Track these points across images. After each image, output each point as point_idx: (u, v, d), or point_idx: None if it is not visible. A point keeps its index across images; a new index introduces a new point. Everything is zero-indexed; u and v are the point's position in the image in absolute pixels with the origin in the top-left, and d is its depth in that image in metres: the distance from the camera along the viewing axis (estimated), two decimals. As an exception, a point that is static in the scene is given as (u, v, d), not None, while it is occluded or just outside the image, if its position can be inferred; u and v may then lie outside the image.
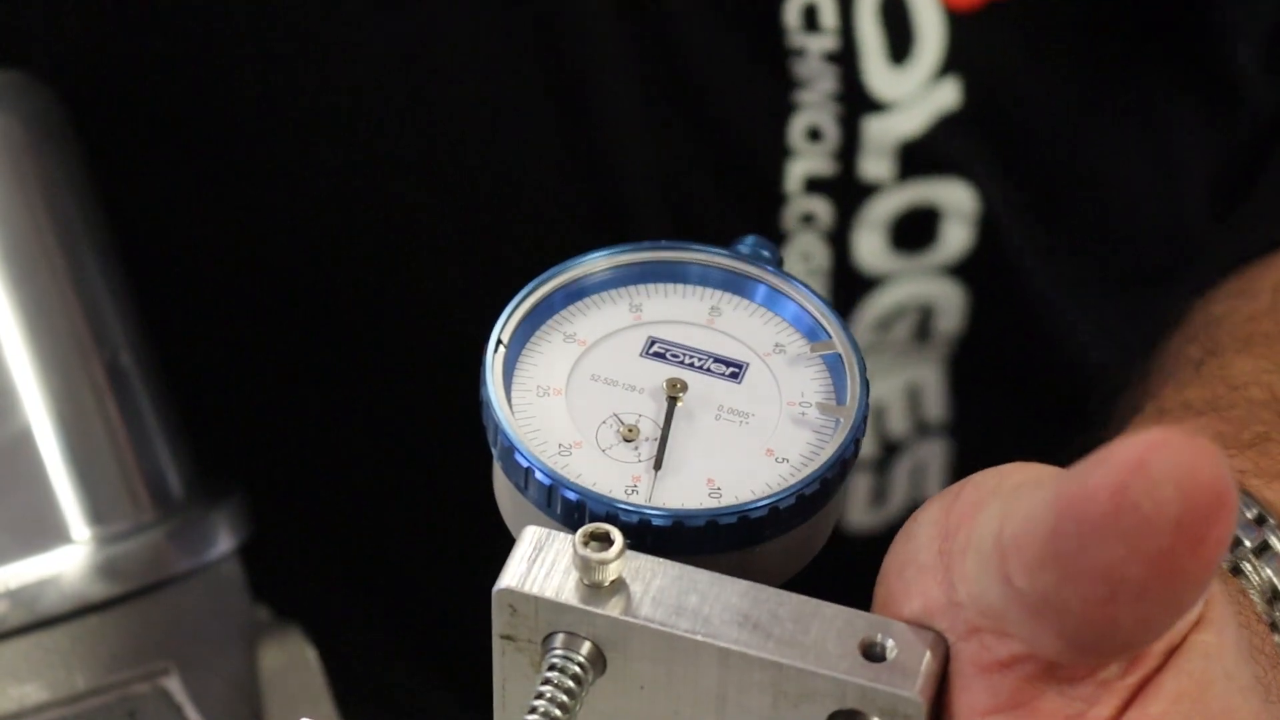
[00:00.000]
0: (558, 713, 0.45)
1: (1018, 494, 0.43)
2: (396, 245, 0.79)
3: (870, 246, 0.74)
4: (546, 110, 0.76)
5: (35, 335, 0.61)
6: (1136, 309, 0.84)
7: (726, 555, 0.47)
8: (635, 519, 0.47)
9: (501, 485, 0.49)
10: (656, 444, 0.49)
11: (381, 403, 0.83)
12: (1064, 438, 0.83)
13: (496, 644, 0.47)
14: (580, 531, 0.45)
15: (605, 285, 0.51)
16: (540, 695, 0.45)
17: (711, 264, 0.51)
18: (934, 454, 0.79)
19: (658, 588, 0.46)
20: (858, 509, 0.79)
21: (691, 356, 0.50)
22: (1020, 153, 0.76)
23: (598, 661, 0.46)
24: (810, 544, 0.50)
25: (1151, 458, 0.40)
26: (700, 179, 0.74)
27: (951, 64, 0.73)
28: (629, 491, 0.47)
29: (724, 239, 0.74)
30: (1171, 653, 0.45)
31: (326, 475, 0.84)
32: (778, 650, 0.45)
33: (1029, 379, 0.82)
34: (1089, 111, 0.78)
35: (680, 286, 0.51)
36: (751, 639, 0.45)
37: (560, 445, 0.48)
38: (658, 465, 0.47)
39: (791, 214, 0.73)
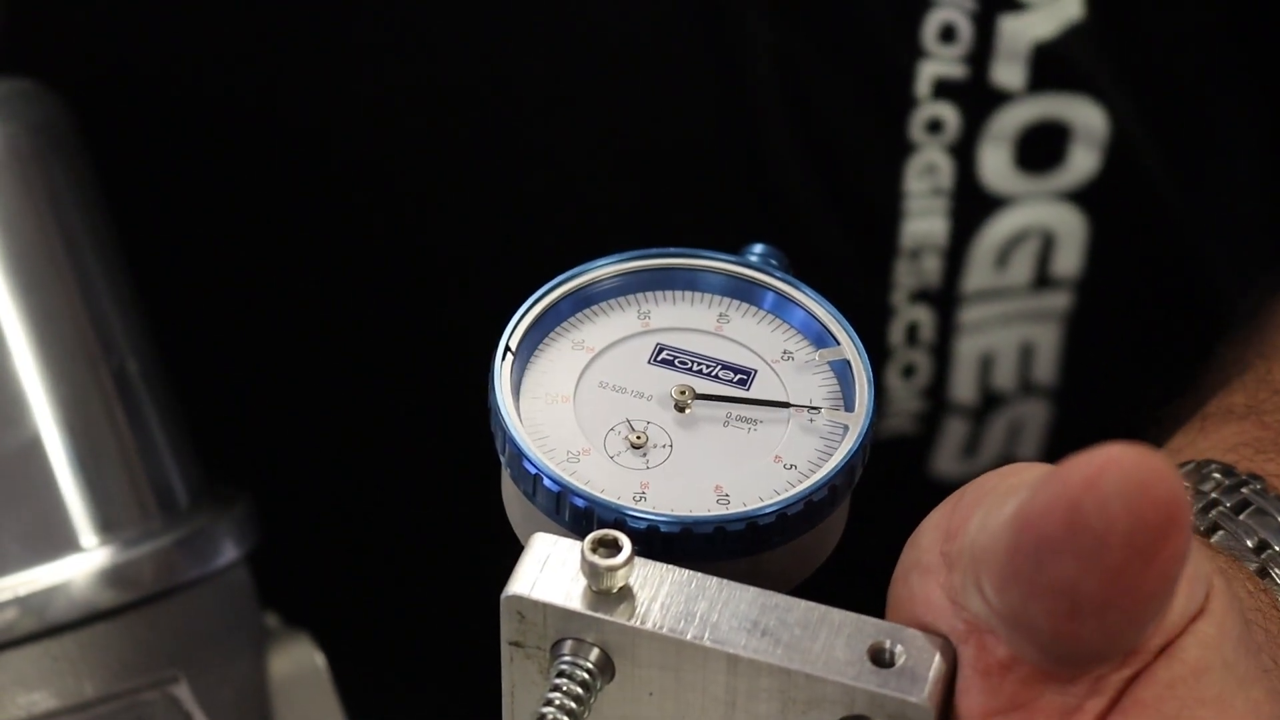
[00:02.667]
0: (565, 719, 0.45)
1: (1002, 501, 0.44)
2: (406, 253, 0.79)
3: (995, 163, 0.73)
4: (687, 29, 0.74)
5: (43, 344, 0.61)
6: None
7: (734, 561, 0.47)
8: (643, 525, 0.47)
9: (510, 492, 0.49)
10: (665, 451, 0.49)
11: (391, 411, 0.83)
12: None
13: (505, 651, 0.47)
14: (588, 538, 0.45)
15: (613, 292, 0.51)
16: (549, 702, 0.45)
17: (720, 271, 0.51)
18: (1036, 413, 0.78)
19: (666, 594, 0.46)
20: (949, 457, 0.79)
21: (700, 363, 0.50)
22: (1145, 75, 0.74)
23: (606, 668, 0.46)
24: (818, 550, 0.50)
25: (1102, 475, 0.41)
26: (830, 81, 0.73)
27: None
28: (637, 498, 0.47)
29: (849, 146, 0.73)
30: (1169, 644, 0.45)
31: (335, 482, 0.84)
32: (786, 656, 0.45)
33: (1151, 342, 0.80)
34: (1212, 55, 0.77)
35: (688, 294, 0.51)
36: (760, 645, 0.45)
37: (568, 452, 0.48)
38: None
39: (919, 120, 0.72)
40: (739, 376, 0.50)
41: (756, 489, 0.48)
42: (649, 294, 0.51)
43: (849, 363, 0.50)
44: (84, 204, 0.63)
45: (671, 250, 0.51)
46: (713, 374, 0.50)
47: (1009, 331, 0.76)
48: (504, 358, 0.49)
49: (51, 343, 0.61)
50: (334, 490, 0.84)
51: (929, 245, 0.74)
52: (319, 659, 0.63)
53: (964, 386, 0.77)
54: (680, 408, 0.49)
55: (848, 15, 0.72)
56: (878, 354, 0.75)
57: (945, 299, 0.75)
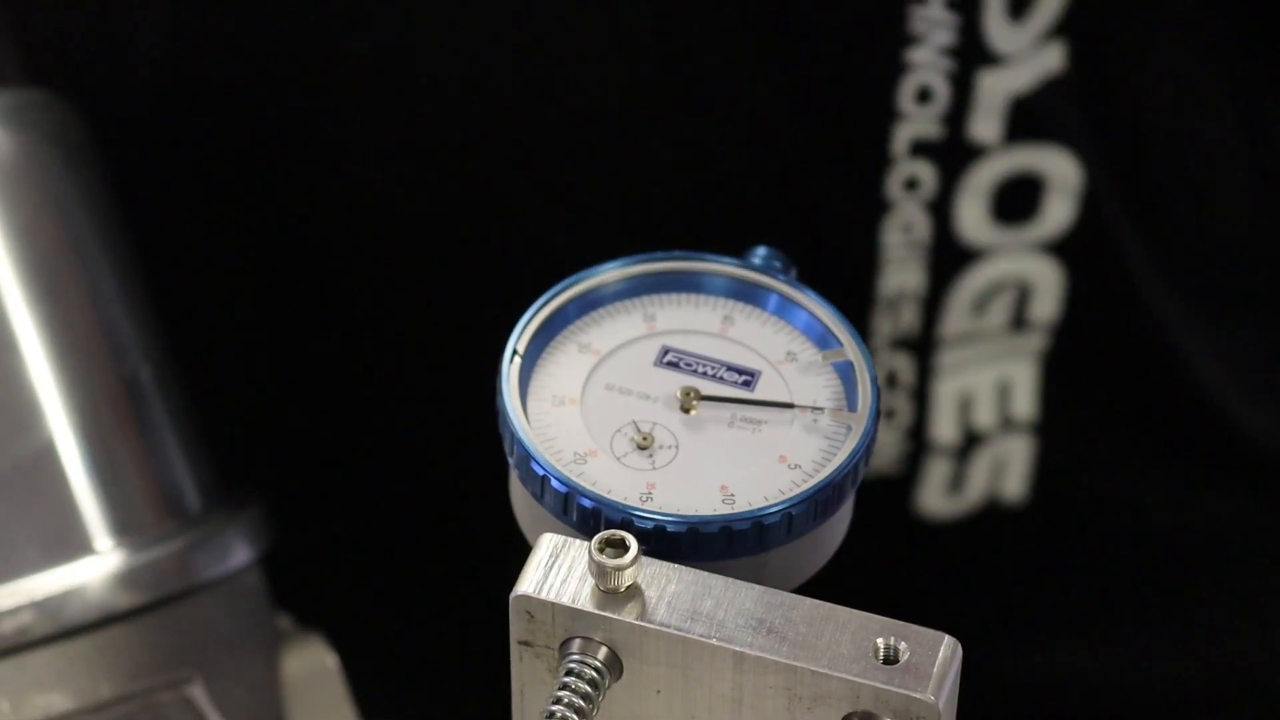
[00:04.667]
0: (575, 717, 0.45)
1: None
2: (416, 254, 0.79)
3: (972, 216, 0.73)
4: (644, 69, 0.74)
5: (57, 350, 0.61)
6: (1236, 330, 0.82)
7: (741, 561, 0.48)
8: (650, 525, 0.47)
9: (518, 493, 0.50)
10: (671, 452, 0.49)
11: (401, 414, 0.83)
12: (1156, 447, 0.82)
13: (514, 650, 0.47)
14: (596, 538, 0.46)
15: (619, 296, 0.51)
16: (557, 700, 0.45)
17: (724, 274, 0.52)
18: (1018, 450, 0.78)
19: (673, 593, 0.46)
20: (934, 495, 0.79)
21: (704, 365, 0.50)
22: (1122, 130, 0.74)
23: (614, 666, 0.46)
24: (823, 549, 0.50)
25: None
26: (806, 143, 0.73)
27: (1064, 26, 0.71)
28: (644, 498, 0.48)
29: (827, 205, 0.73)
30: None
31: (347, 486, 0.85)
32: (792, 654, 0.45)
33: (1125, 384, 0.81)
34: (1195, 106, 0.77)
35: (693, 296, 0.52)
36: (766, 643, 0.45)
37: (575, 454, 0.48)
38: None
39: (896, 178, 0.72)
40: (743, 378, 0.50)
41: (762, 489, 0.48)
42: (654, 297, 0.51)
43: (852, 364, 0.50)
44: (97, 212, 0.64)
45: (676, 254, 0.52)
46: (717, 375, 0.50)
47: (986, 371, 0.77)
48: (511, 360, 0.49)
49: (65, 349, 0.61)
50: (345, 494, 0.84)
51: (906, 296, 0.74)
52: (331, 659, 0.63)
53: (944, 426, 0.77)
54: (686, 409, 0.49)
55: (823, 78, 0.72)
56: None
57: (923, 345, 0.76)
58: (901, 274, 0.74)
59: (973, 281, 0.74)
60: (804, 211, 0.74)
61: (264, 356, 0.84)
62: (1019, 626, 0.83)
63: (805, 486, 0.48)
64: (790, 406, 0.50)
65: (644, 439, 0.49)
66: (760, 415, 0.49)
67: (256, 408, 0.84)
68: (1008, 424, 0.77)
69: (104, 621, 0.59)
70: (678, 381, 0.50)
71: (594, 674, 0.45)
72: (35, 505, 0.60)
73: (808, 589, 0.48)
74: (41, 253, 0.62)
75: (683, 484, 0.48)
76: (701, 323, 0.51)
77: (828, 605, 0.46)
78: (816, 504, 0.48)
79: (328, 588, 0.76)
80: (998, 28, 0.71)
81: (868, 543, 0.79)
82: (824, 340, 0.51)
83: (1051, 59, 0.72)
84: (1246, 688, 0.92)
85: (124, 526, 0.60)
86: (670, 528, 0.47)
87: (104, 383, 0.62)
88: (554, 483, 0.48)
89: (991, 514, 0.79)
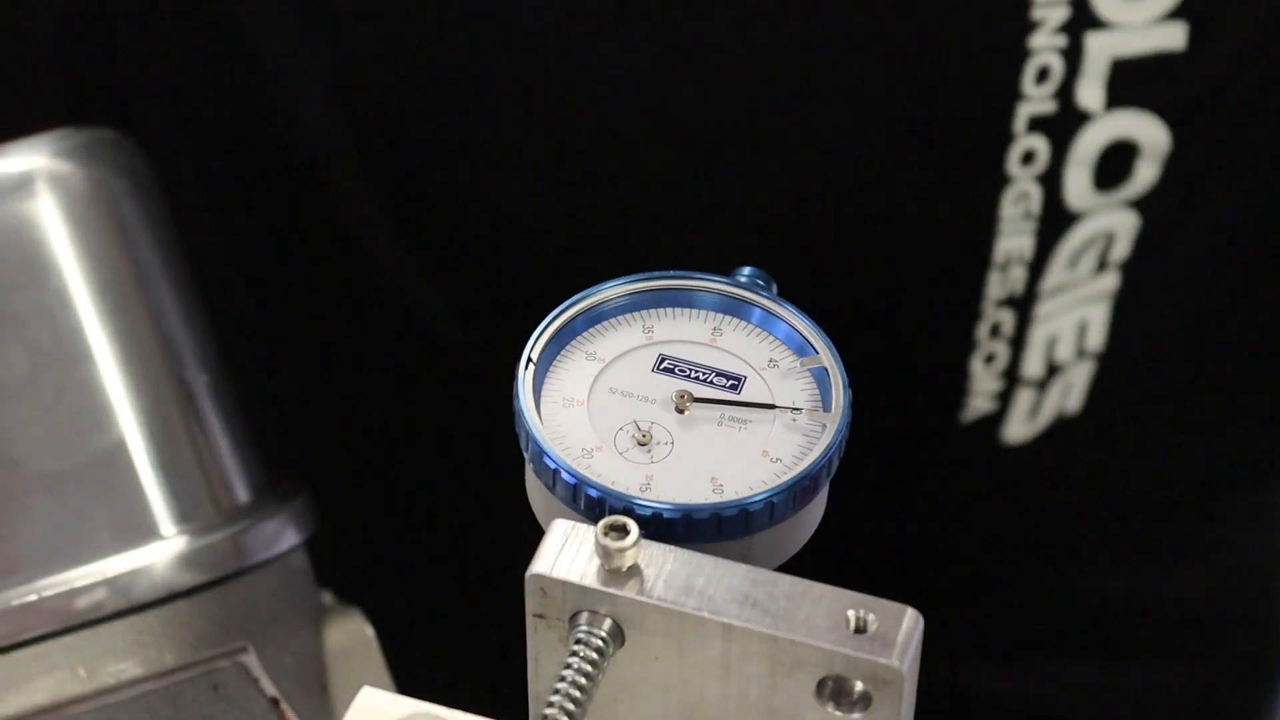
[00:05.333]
0: (583, 681, 0.45)
1: None
2: (440, 283, 0.79)
3: (1077, 186, 0.72)
4: (766, 69, 0.72)
5: (126, 361, 0.61)
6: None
7: (729, 543, 0.48)
8: (649, 512, 0.47)
9: (532, 484, 0.50)
10: (667, 448, 0.49)
11: (430, 417, 0.83)
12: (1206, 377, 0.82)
13: (530, 622, 0.47)
14: (601, 523, 0.46)
15: (621, 310, 0.51)
16: (568, 666, 0.45)
17: (714, 290, 0.51)
18: (1083, 374, 0.78)
19: (669, 572, 0.46)
20: (1018, 423, 0.78)
21: (697, 371, 0.50)
22: (1224, 115, 0.73)
23: (617, 636, 0.46)
24: (801, 533, 0.50)
25: None
26: (933, 120, 0.72)
27: (1184, 9, 0.70)
28: (643, 489, 0.48)
29: (951, 179, 0.72)
30: None
31: (383, 480, 0.85)
32: (774, 625, 0.45)
33: (1186, 316, 0.80)
34: None
35: (687, 310, 0.51)
36: (751, 615, 0.45)
37: (583, 449, 0.48)
38: None
39: (1015, 154, 0.71)
40: (731, 382, 0.50)
41: (747, 480, 0.48)
42: (652, 311, 0.51)
43: (827, 370, 0.50)
44: (159, 238, 0.63)
45: (671, 273, 0.51)
46: (708, 380, 0.50)
47: (1071, 315, 0.76)
48: (526, 368, 0.49)
49: (133, 360, 0.61)
50: (382, 486, 0.85)
51: (1016, 259, 0.74)
52: (369, 631, 0.63)
53: (1033, 364, 0.77)
54: (680, 410, 0.49)
55: (952, 63, 0.71)
56: (964, 346, 0.75)
57: (1025, 301, 0.75)
58: (1014, 240, 0.73)
59: (1071, 242, 0.74)
60: (930, 188, 0.73)
61: (307, 366, 0.84)
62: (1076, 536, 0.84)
63: (786, 478, 0.48)
64: (772, 407, 0.49)
65: (643, 436, 0.49)
66: (746, 415, 0.49)
67: (302, 411, 0.84)
68: (1081, 354, 0.77)
69: (168, 598, 0.59)
70: (673, 385, 0.50)
71: (600, 643, 0.46)
72: (108, 496, 0.60)
73: (787, 567, 0.48)
74: (111, 274, 0.62)
75: (677, 476, 0.48)
76: (694, 333, 0.51)
77: (805, 582, 0.46)
78: (795, 493, 0.48)
79: (365, 568, 0.76)
80: (1109, 3, 0.70)
81: (963, 473, 0.78)
82: (802, 349, 0.50)
83: (1174, 36, 0.70)
84: (1262, 590, 0.92)
85: (185, 514, 0.60)
86: (667, 514, 0.47)
87: (166, 388, 0.62)
88: (564, 475, 0.48)
89: (1058, 431, 0.79)
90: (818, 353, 0.50)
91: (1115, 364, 0.78)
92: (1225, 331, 0.82)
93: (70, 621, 0.58)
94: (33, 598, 0.58)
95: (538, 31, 0.72)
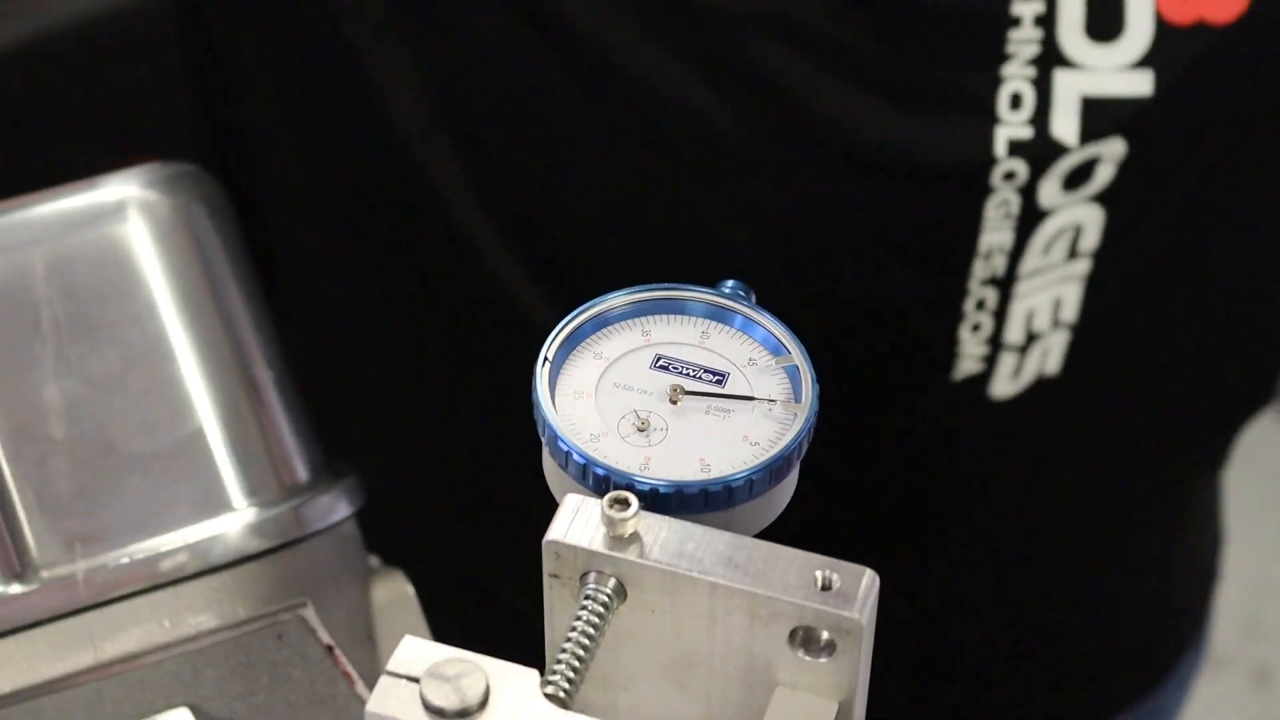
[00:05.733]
0: (591, 631, 0.46)
1: None
2: (472, 297, 0.78)
3: (1049, 191, 0.72)
4: (749, 116, 0.71)
5: (203, 360, 0.62)
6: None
7: (714, 514, 0.48)
8: (647, 488, 0.48)
9: (548, 464, 0.50)
10: (662, 433, 0.49)
11: (462, 410, 0.83)
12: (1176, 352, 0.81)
13: (546, 580, 0.48)
14: (606, 497, 0.47)
15: (623, 316, 0.52)
16: (578, 618, 0.46)
17: (702, 300, 0.52)
18: (1060, 341, 0.77)
19: (664, 538, 0.47)
20: (1002, 381, 0.77)
21: (687, 368, 0.51)
22: (1181, 137, 0.72)
23: (620, 592, 0.47)
24: (775, 505, 0.50)
25: None
26: (925, 141, 0.71)
27: (1151, 59, 0.69)
28: (642, 468, 0.48)
29: (938, 188, 0.72)
30: None
31: (421, 461, 0.85)
32: (752, 583, 0.46)
33: (1153, 293, 0.79)
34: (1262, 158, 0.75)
35: (679, 317, 0.52)
36: (733, 575, 0.46)
37: (591, 434, 0.49)
38: None
39: (998, 172, 0.71)
40: (716, 378, 0.51)
41: (730, 461, 0.49)
42: (650, 317, 0.52)
43: (798, 367, 0.51)
44: (231, 255, 0.64)
45: (666, 285, 0.52)
46: (697, 376, 0.50)
47: (1047, 293, 0.75)
48: (543, 365, 0.50)
49: (209, 359, 0.62)
50: (420, 467, 0.85)
51: (997, 249, 0.73)
52: (409, 590, 0.63)
53: (1014, 332, 0.76)
54: (673, 401, 0.50)
55: (936, 93, 0.70)
56: (954, 317, 0.75)
57: (1006, 281, 0.74)
58: (996, 235, 0.72)
59: (1044, 233, 0.73)
60: (924, 196, 0.72)
61: (361, 365, 0.84)
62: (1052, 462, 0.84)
63: (763, 459, 0.49)
64: (752, 399, 0.50)
65: (642, 424, 0.49)
66: (729, 406, 0.50)
67: (355, 403, 0.84)
68: (1056, 324, 0.77)
69: (239, 561, 0.59)
70: (667, 380, 0.50)
71: (605, 599, 0.47)
72: (189, 475, 0.60)
73: (764, 535, 0.49)
74: (190, 286, 0.62)
75: (671, 457, 0.49)
76: (685, 336, 0.51)
77: (779, 547, 0.47)
78: (771, 472, 0.49)
79: (407, 536, 0.76)
80: (1075, 44, 0.68)
81: (960, 420, 0.77)
82: (777, 349, 0.51)
83: (1141, 84, 0.69)
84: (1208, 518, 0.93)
85: (253, 490, 0.61)
86: (662, 490, 0.48)
87: (237, 383, 0.62)
88: (575, 456, 0.48)
89: (1038, 390, 0.78)
90: (790, 353, 0.51)
91: (1088, 333, 0.77)
92: (1185, 308, 0.82)
93: (157, 581, 0.59)
94: (125, 561, 0.58)
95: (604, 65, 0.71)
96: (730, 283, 0.52)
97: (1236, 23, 0.69)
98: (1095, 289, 0.76)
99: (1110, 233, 0.74)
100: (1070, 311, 0.77)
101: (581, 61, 0.71)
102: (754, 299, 0.52)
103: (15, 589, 0.58)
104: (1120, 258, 0.76)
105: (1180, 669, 0.96)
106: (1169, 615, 0.95)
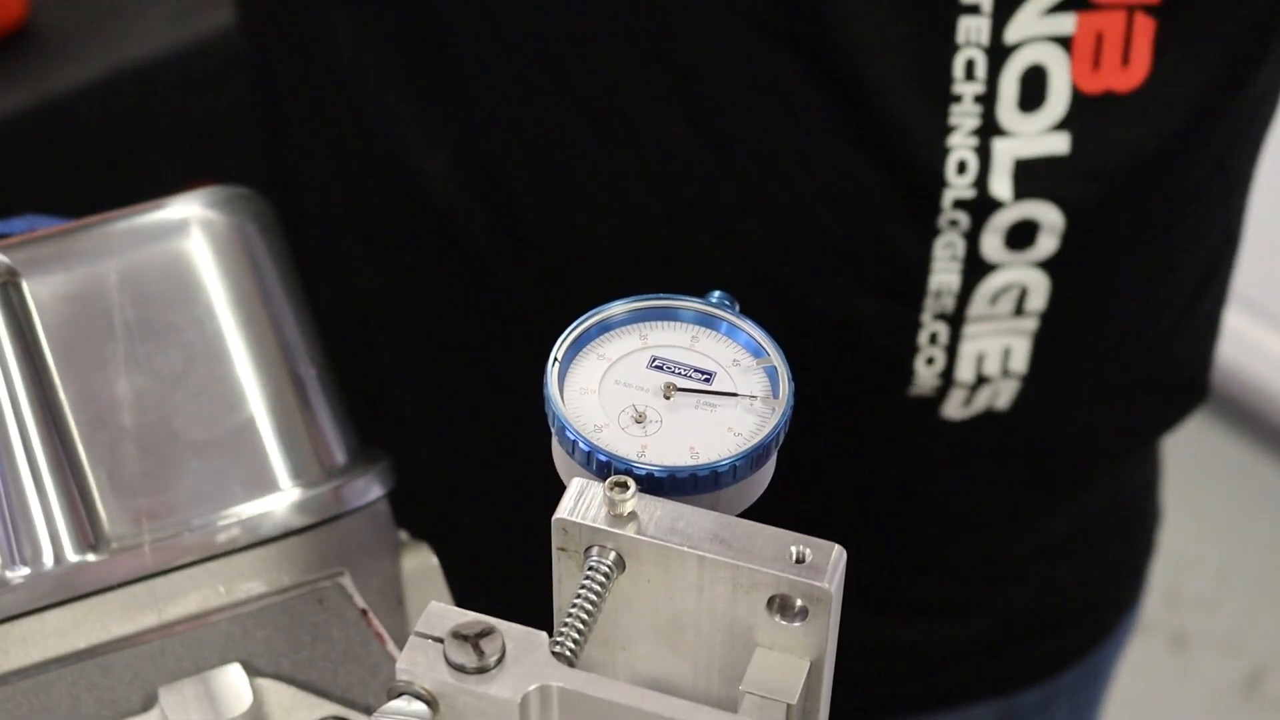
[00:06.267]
0: (594, 598, 0.46)
1: None
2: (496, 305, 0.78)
3: (992, 244, 0.72)
4: (716, 175, 0.71)
5: (254, 359, 0.61)
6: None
7: (702, 496, 0.48)
8: (643, 473, 0.48)
9: (557, 451, 0.50)
10: (657, 425, 0.49)
11: (480, 403, 0.82)
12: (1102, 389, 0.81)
13: (555, 553, 0.48)
14: (607, 481, 0.47)
15: (624, 322, 0.52)
16: (583, 587, 0.46)
17: (692, 309, 0.52)
18: (1010, 387, 0.77)
19: (658, 517, 0.47)
20: (954, 407, 0.77)
21: (679, 368, 0.51)
22: (1105, 199, 0.72)
23: (619, 564, 0.47)
24: (755, 488, 0.50)
25: None
26: (881, 193, 0.71)
27: (1068, 123, 0.69)
28: (639, 455, 0.48)
29: (894, 232, 0.72)
30: None
31: (444, 450, 0.85)
32: (735, 556, 0.46)
33: (1096, 353, 0.79)
34: (1169, 201, 0.75)
35: (672, 323, 0.52)
36: (718, 549, 0.46)
37: (594, 426, 0.49)
38: None
39: (943, 220, 0.71)
40: (705, 376, 0.50)
41: (717, 449, 0.49)
42: (647, 323, 0.52)
43: (776, 368, 0.51)
44: (279, 267, 0.63)
45: (661, 295, 0.52)
46: (688, 374, 0.50)
47: (996, 340, 0.75)
48: (553, 365, 0.50)
49: (259, 357, 0.61)
50: (444, 454, 0.85)
51: (946, 290, 0.73)
52: (434, 561, 0.63)
53: (965, 371, 0.75)
54: (667, 396, 0.50)
55: (892, 153, 0.70)
56: (910, 347, 0.74)
57: (956, 320, 0.74)
58: (944, 275, 0.72)
59: (989, 285, 0.73)
60: (876, 237, 0.72)
61: (393, 366, 0.84)
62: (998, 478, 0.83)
63: (745, 448, 0.49)
64: (735, 395, 0.50)
65: (639, 416, 0.49)
66: (716, 401, 0.50)
67: (388, 398, 0.84)
68: (1006, 373, 0.76)
69: (285, 535, 0.59)
70: (661, 379, 0.50)
71: (606, 570, 0.47)
72: (241, 459, 0.60)
73: (746, 514, 0.49)
74: (243, 294, 0.62)
75: (665, 446, 0.49)
76: (677, 340, 0.51)
77: (759, 525, 0.47)
78: (752, 459, 0.49)
79: (432, 513, 0.76)
80: (1010, 116, 0.69)
81: (911, 437, 0.77)
82: (757, 352, 0.51)
83: (1059, 144, 0.69)
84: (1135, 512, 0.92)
85: (298, 473, 0.60)
86: (656, 474, 0.48)
87: (283, 379, 0.62)
88: (580, 444, 0.48)
89: (987, 418, 0.78)
90: (769, 355, 0.51)
91: (1037, 382, 0.77)
92: (1127, 364, 0.82)
93: (213, 552, 0.58)
94: (186, 534, 0.58)
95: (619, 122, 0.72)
96: (717, 293, 0.52)
97: (1136, 91, 0.69)
98: (1043, 345, 0.76)
99: (1055, 299, 0.74)
100: (1020, 363, 0.76)
101: (600, 120, 0.71)
102: (738, 308, 0.52)
103: (90, 558, 0.58)
104: (1066, 322, 0.75)
105: (1119, 630, 0.96)
106: (1113, 582, 0.95)
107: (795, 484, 0.50)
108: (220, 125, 1.06)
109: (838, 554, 0.46)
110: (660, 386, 0.50)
